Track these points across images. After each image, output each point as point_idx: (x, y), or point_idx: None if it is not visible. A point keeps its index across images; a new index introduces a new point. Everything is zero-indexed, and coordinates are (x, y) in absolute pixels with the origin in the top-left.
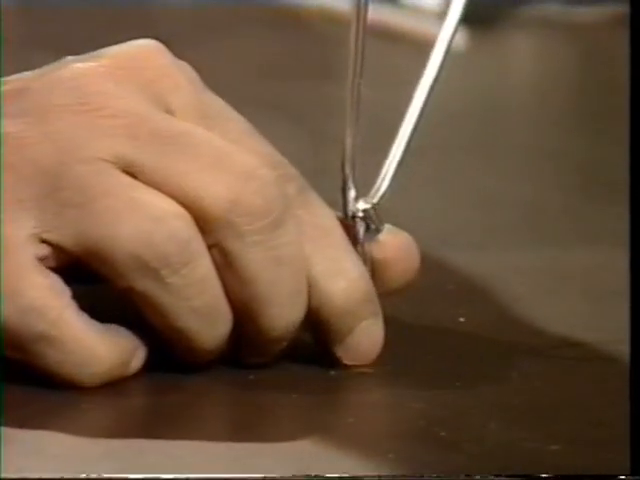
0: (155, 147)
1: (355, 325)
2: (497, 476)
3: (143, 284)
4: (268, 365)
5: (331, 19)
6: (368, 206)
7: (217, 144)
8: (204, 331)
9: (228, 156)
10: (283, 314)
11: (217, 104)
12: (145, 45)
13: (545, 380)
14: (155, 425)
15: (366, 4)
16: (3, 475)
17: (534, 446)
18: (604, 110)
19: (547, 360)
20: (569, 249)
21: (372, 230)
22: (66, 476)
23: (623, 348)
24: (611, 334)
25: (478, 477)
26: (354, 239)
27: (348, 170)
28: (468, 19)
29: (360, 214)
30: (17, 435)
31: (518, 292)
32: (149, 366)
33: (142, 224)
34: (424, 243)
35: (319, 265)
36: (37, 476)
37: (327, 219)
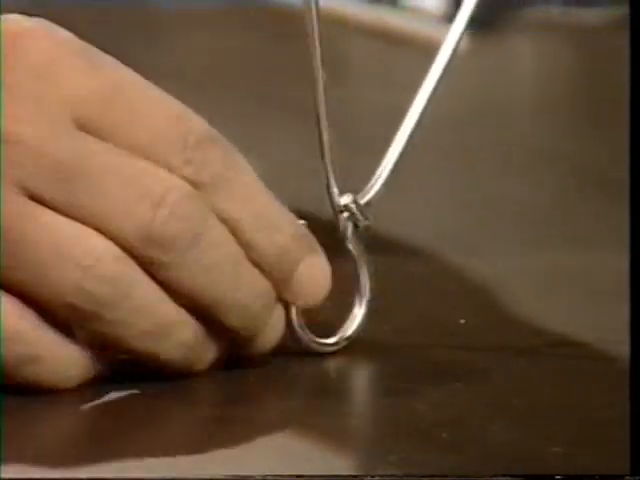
0: (63, 180)
1: (294, 268)
2: (498, 476)
3: (87, 324)
4: (268, 363)
5: (333, 21)
6: (349, 201)
7: (123, 169)
8: (164, 346)
9: (135, 181)
10: (238, 309)
11: (113, 74)
12: (33, 34)
13: (545, 380)
14: (152, 425)
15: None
16: (3, 475)
17: (535, 447)
18: (606, 112)
19: (547, 360)
20: (569, 250)
21: (361, 228)
22: (66, 476)
23: (623, 348)
24: (611, 334)
25: (479, 478)
26: (342, 236)
27: (328, 166)
28: (470, 21)
29: (342, 209)
30: (17, 435)
31: (518, 293)
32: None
33: (69, 273)
34: (425, 245)
35: (249, 224)
36: (38, 476)
37: (252, 176)
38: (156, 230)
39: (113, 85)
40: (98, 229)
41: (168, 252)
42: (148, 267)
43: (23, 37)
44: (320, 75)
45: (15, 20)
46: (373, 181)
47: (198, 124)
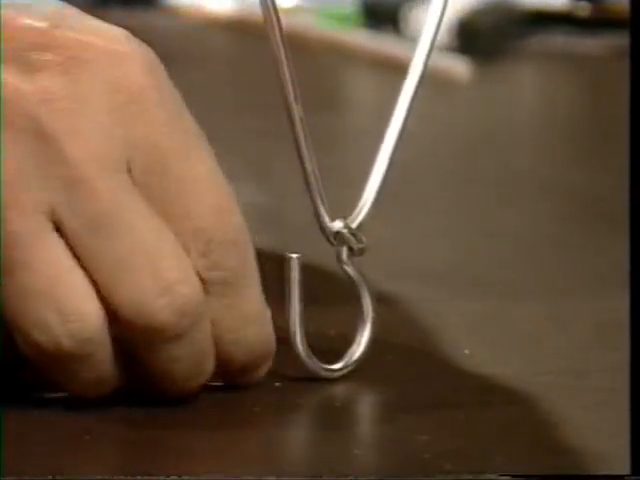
0: (88, 226)
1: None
2: (498, 475)
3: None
4: (273, 390)
5: (336, 50)
6: (341, 226)
7: (148, 238)
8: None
9: (153, 257)
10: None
11: (181, 140)
12: (114, 46)
13: (550, 411)
14: (154, 428)
15: (277, 14)
16: (4, 477)
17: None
18: (607, 142)
19: (549, 388)
20: (570, 283)
21: (357, 251)
22: (68, 477)
23: (624, 357)
24: (613, 365)
25: (481, 476)
26: (339, 261)
27: (315, 193)
28: (473, 51)
29: (335, 235)
30: (18, 436)
31: (521, 324)
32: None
33: (49, 318)
34: (427, 276)
35: (230, 326)
36: (38, 477)
37: (256, 290)
38: (147, 313)
39: (174, 151)
40: (97, 286)
41: (147, 336)
42: (122, 338)
43: (123, 60)
44: (294, 102)
45: (121, 38)
46: (362, 203)
47: (232, 224)
